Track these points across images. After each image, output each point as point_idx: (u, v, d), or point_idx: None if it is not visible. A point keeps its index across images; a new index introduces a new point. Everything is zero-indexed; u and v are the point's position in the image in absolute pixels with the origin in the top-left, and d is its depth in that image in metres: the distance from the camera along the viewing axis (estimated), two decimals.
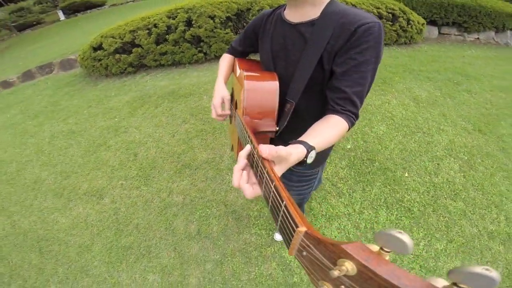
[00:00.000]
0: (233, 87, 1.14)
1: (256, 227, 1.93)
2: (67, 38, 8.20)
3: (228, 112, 0.96)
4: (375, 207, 1.95)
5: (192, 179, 2.34)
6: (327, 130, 0.66)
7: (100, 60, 4.45)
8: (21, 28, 14.58)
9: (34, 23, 14.70)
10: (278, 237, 1.85)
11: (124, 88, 4.08)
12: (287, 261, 1.75)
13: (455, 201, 1.99)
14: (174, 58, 4.28)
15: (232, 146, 1.16)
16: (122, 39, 4.14)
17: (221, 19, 4.03)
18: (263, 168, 0.44)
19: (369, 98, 2.94)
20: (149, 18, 4.13)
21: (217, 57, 4.21)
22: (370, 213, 1.91)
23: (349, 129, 0.71)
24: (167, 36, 4.07)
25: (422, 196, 2.02)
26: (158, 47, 4.15)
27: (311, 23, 0.74)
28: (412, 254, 1.71)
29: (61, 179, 2.75)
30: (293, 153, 0.51)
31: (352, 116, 0.71)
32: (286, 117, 0.82)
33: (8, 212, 2.62)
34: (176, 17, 4.07)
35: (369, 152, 2.31)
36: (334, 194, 2.01)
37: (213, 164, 2.43)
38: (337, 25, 0.68)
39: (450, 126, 2.66)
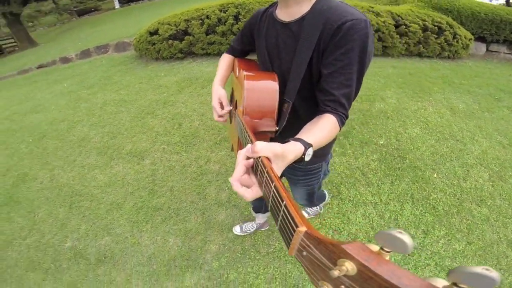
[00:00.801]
0: (233, 87, 1.15)
1: None
2: (122, 25, 8.89)
3: (228, 108, 0.98)
4: (401, 200, 2.05)
5: (229, 151, 2.54)
6: (322, 128, 0.67)
7: (154, 44, 4.85)
8: (81, 13, 15.92)
9: (92, 9, 15.97)
10: (237, 229, 1.94)
11: (173, 71, 4.45)
12: None
13: (480, 206, 2.04)
14: (220, 49, 4.58)
15: (232, 146, 1.16)
16: (176, 27, 4.50)
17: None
18: (263, 168, 0.43)
19: (406, 103, 3.02)
20: (202, 9, 4.46)
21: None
22: (395, 205, 2.02)
23: (340, 128, 0.72)
24: (217, 27, 4.37)
25: (448, 197, 2.09)
26: (208, 37, 4.46)
27: (301, 21, 0.73)
28: (429, 250, 1.77)
29: (108, 139, 3.09)
30: (291, 150, 0.52)
31: (343, 116, 0.72)
32: (285, 117, 0.82)
33: (51, 166, 2.96)
34: (227, 10, 4.36)
35: (401, 150, 2.41)
36: (363, 183, 2.15)
37: None
38: (324, 22, 0.68)
39: (484, 138, 2.68)
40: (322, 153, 1.03)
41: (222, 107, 0.97)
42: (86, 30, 10.50)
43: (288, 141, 0.57)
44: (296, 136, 0.60)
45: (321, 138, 0.64)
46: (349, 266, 0.23)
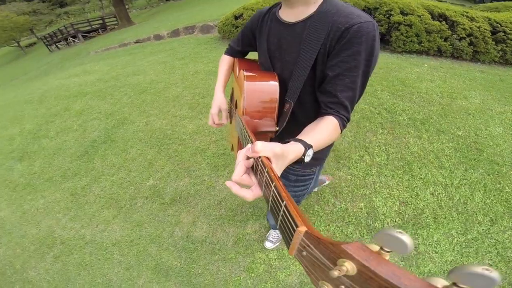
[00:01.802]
0: (233, 87, 1.15)
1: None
2: (206, 9, 9.73)
3: (224, 121, 1.02)
4: (473, 188, 2.09)
5: None
6: (323, 130, 0.66)
7: (237, 27, 5.33)
8: None
9: None
10: (268, 244, 1.92)
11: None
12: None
13: None
14: None
15: (232, 146, 1.17)
16: None
17: None
18: (263, 168, 0.43)
19: (491, 104, 2.93)
20: None
21: None
22: (466, 191, 2.07)
23: (341, 131, 0.72)
24: None
25: None
26: None
27: (306, 22, 0.73)
28: (494, 239, 1.80)
29: (198, 98, 3.60)
30: (291, 150, 0.51)
31: (344, 120, 0.72)
32: (285, 117, 0.82)
33: (147, 114, 3.55)
34: None
35: (479, 144, 2.41)
36: (436, 165, 2.23)
37: None
38: (330, 24, 0.68)
39: None
40: (319, 156, 1.04)
41: (220, 117, 1.02)
42: (174, 13, 11.72)
43: (289, 141, 0.57)
44: (297, 137, 0.60)
45: (321, 140, 0.64)
46: (349, 266, 0.23)
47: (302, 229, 0.30)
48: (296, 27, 0.75)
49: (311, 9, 0.72)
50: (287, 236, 0.33)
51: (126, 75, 5.34)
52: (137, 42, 8.50)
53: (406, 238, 0.22)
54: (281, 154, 0.47)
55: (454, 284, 0.19)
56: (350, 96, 0.70)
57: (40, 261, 2.26)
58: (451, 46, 3.83)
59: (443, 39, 3.85)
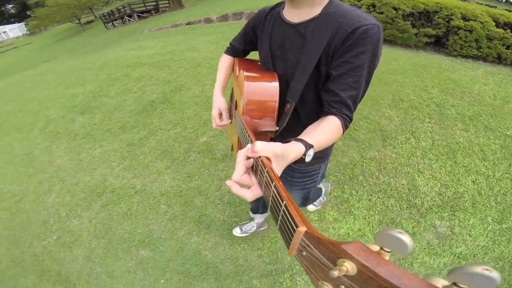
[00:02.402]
0: (233, 87, 1.16)
1: None
2: None
3: (226, 122, 1.03)
4: None
5: None
6: (324, 130, 0.66)
7: None
8: None
9: None
10: (237, 231, 1.95)
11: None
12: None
13: None
14: None
15: (232, 146, 1.17)
16: None
17: (404, 12, 4.39)
18: (263, 168, 0.44)
19: None
20: None
21: (386, 41, 4.63)
22: (508, 184, 2.10)
23: (343, 132, 0.72)
24: None
25: None
26: None
27: (310, 23, 0.73)
28: None
29: None
30: (291, 151, 0.51)
31: (347, 119, 0.72)
32: (286, 117, 0.82)
33: (202, 83, 3.88)
34: (360, 0, 4.67)
35: None
36: (480, 157, 2.28)
37: None
38: (335, 26, 0.68)
39: None
40: (322, 155, 1.03)
41: (222, 114, 1.04)
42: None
43: (290, 141, 0.57)
44: (298, 137, 0.60)
45: (323, 140, 0.63)
46: (349, 266, 0.23)
47: (302, 229, 0.30)
48: (300, 27, 0.75)
49: (316, 10, 0.73)
50: (287, 236, 0.33)
51: (181, 51, 5.74)
52: (188, 24, 9.00)
53: (406, 238, 0.22)
54: (281, 154, 0.47)
55: (454, 284, 0.19)
56: (353, 96, 0.70)
57: (87, 209, 2.39)
58: None
59: (505, 47, 3.77)
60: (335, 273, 0.24)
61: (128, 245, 2.05)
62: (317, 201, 1.99)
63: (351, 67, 0.67)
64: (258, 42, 0.92)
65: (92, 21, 26.49)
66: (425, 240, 1.81)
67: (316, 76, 0.76)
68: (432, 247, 1.77)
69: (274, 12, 0.86)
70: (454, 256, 1.74)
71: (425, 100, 2.93)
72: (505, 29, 3.81)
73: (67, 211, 2.44)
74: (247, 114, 0.78)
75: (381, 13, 4.49)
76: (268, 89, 0.79)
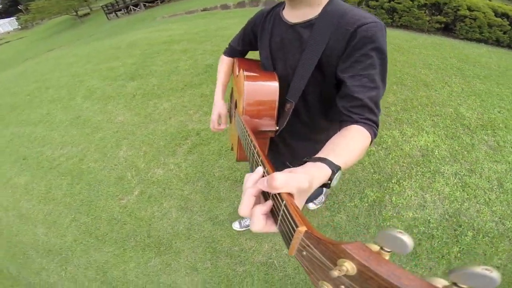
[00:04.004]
0: (233, 87, 1.16)
1: None
2: None
3: (223, 126, 1.04)
4: None
5: None
6: (351, 144, 0.56)
7: None
8: None
9: None
10: (236, 225, 1.90)
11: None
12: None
13: None
14: None
15: (232, 145, 1.17)
16: None
17: (419, 3, 5.12)
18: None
19: None
20: None
21: (403, 26, 5.35)
22: None
23: (372, 141, 0.63)
24: (369, 2, 5.43)
25: None
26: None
27: (310, 23, 0.73)
28: None
29: None
30: (317, 178, 0.41)
31: (373, 126, 0.64)
32: (286, 117, 0.81)
33: (218, 54, 4.19)
34: None
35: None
36: (497, 99, 2.91)
37: None
38: (335, 26, 0.67)
39: None
40: None
41: (221, 118, 1.06)
42: None
43: (310, 160, 0.47)
44: (321, 155, 0.48)
45: (351, 158, 0.53)
46: (349, 266, 0.23)
47: (302, 229, 0.29)
48: (300, 27, 0.75)
49: (315, 10, 0.72)
50: (287, 235, 0.32)
51: (213, 30, 6.16)
52: (204, 10, 9.40)
53: (406, 238, 0.22)
54: (307, 188, 0.37)
55: (455, 284, 0.19)
56: (372, 96, 0.64)
57: (171, 155, 2.21)
58: (508, 38, 4.55)
59: (502, 32, 4.58)
60: (335, 273, 0.23)
61: (229, 183, 1.95)
62: (318, 199, 1.97)
63: (363, 66, 0.64)
64: (258, 42, 0.92)
65: (88, 13, 26.21)
66: (482, 150, 2.26)
67: (317, 76, 0.75)
68: (490, 156, 2.19)
69: (274, 12, 0.86)
70: (508, 164, 2.11)
71: (447, 65, 3.60)
72: (502, 18, 4.63)
73: (146, 162, 2.27)
74: (247, 114, 0.79)
75: (399, 3, 5.21)
76: (268, 88, 0.80)
